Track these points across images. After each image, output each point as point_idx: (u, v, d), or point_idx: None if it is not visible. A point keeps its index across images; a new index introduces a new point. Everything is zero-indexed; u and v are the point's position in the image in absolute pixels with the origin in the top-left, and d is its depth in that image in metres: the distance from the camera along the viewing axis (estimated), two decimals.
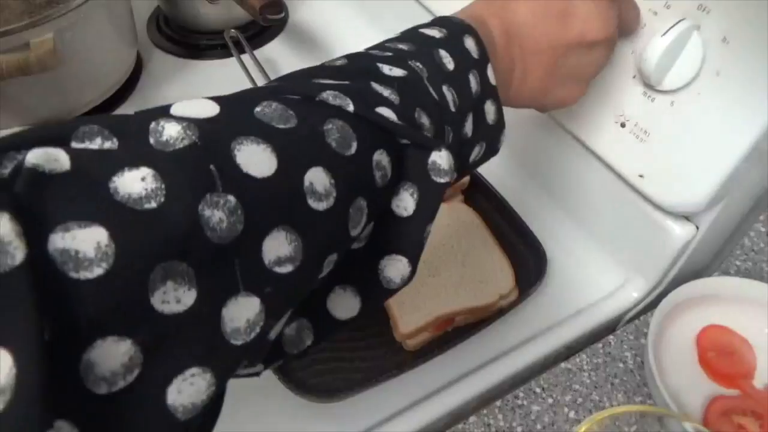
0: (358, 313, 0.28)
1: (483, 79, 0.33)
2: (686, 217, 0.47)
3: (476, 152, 0.34)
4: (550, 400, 0.44)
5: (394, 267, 0.28)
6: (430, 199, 0.28)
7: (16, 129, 0.65)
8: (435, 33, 0.33)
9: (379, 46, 0.32)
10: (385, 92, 0.28)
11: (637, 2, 0.43)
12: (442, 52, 0.32)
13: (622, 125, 0.46)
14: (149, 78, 0.73)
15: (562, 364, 0.46)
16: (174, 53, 0.77)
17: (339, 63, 0.30)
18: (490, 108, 0.34)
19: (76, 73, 0.63)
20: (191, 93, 0.80)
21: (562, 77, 0.38)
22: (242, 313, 0.21)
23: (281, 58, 0.75)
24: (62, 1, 0.58)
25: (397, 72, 0.29)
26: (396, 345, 0.48)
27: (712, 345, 0.46)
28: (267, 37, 0.78)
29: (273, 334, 0.24)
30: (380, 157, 0.26)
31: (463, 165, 0.34)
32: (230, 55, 0.69)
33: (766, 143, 0.41)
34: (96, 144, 0.20)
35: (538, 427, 0.43)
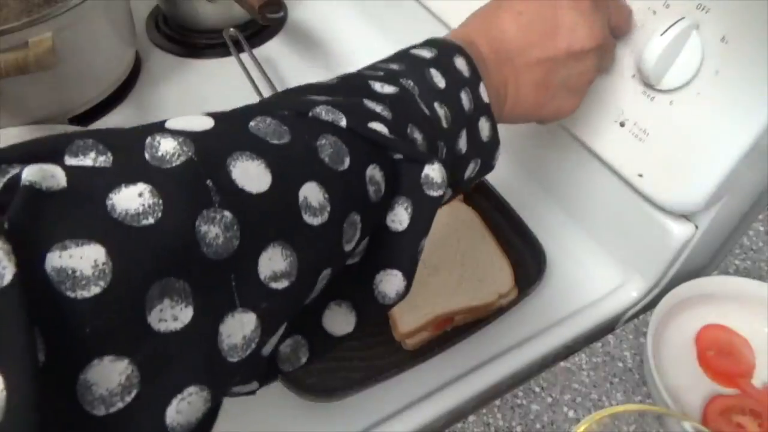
0: (353, 328, 0.28)
1: (475, 97, 0.33)
2: (685, 217, 0.47)
3: (471, 169, 0.35)
4: (550, 400, 0.44)
5: (389, 282, 0.28)
6: (424, 212, 0.28)
7: (14, 128, 0.65)
8: (425, 53, 0.33)
9: (371, 67, 0.33)
10: (378, 108, 0.28)
11: (629, 2, 0.43)
12: (433, 71, 0.32)
13: (622, 124, 0.46)
14: (148, 77, 0.73)
15: (562, 363, 0.46)
16: (173, 52, 0.77)
17: (331, 82, 0.30)
18: (484, 125, 0.34)
19: (74, 72, 0.63)
20: (190, 92, 0.80)
21: (556, 90, 0.39)
22: (239, 329, 0.21)
23: (280, 57, 0.74)
24: (60, 0, 0.58)
25: (389, 89, 0.29)
26: (395, 344, 0.48)
27: (711, 344, 0.46)
28: (266, 36, 0.77)
29: (267, 350, 0.24)
30: (373, 171, 0.26)
31: (457, 181, 0.34)
32: (229, 54, 0.69)
33: (765, 142, 0.41)
34: (90, 158, 0.20)
35: (538, 426, 0.43)
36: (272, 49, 0.76)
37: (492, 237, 0.53)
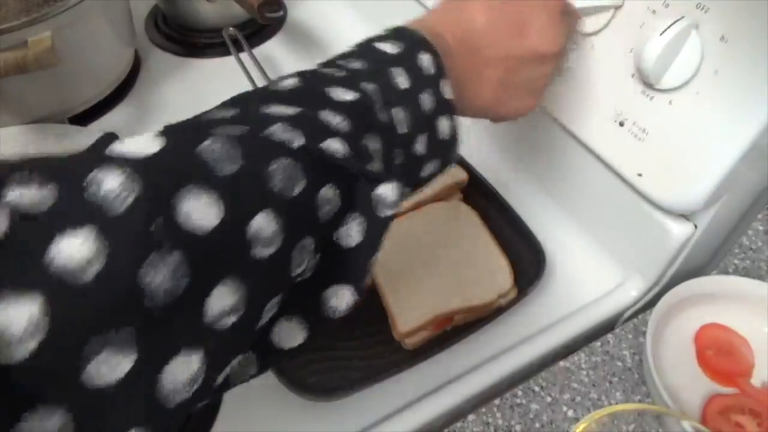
0: (304, 341, 0.28)
1: (438, 95, 0.33)
2: (685, 216, 0.47)
3: (429, 168, 0.35)
4: (549, 399, 0.44)
5: (340, 297, 0.28)
6: (377, 230, 0.28)
7: (14, 127, 0.64)
8: (390, 48, 0.33)
9: (333, 64, 0.32)
10: (336, 119, 0.28)
11: (629, 1, 0.44)
12: (396, 71, 0.32)
13: (621, 124, 0.46)
14: (148, 76, 0.73)
15: (561, 363, 0.46)
16: (172, 51, 0.77)
17: (291, 84, 0.30)
18: (444, 124, 0.34)
19: (74, 72, 0.63)
20: (189, 91, 0.80)
21: (515, 89, 0.39)
22: (182, 372, 0.20)
23: (280, 56, 0.74)
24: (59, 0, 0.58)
25: (349, 96, 0.29)
26: (395, 344, 0.48)
27: (710, 343, 0.46)
28: (265, 35, 0.78)
29: (218, 382, 0.24)
30: (328, 191, 0.26)
31: (416, 181, 0.34)
32: (229, 54, 0.69)
33: (765, 142, 0.41)
34: (31, 192, 0.19)
35: (537, 425, 0.43)
36: (272, 48, 0.76)
37: (491, 236, 0.53)
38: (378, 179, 0.28)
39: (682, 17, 0.40)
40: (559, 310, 0.51)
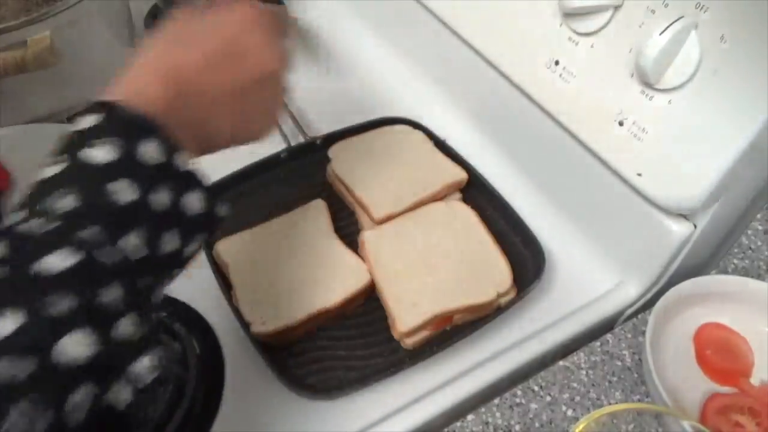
0: None
1: (175, 177, 0.31)
2: (684, 216, 0.47)
3: (193, 246, 0.33)
4: (548, 398, 0.44)
5: None
6: (146, 396, 0.27)
7: (14, 126, 0.64)
8: (103, 155, 0.29)
9: (39, 205, 0.28)
10: (61, 304, 0.25)
11: (627, 1, 0.43)
12: (117, 185, 0.29)
13: (620, 124, 0.46)
14: None
15: (560, 362, 0.46)
16: None
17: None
18: (192, 199, 0.32)
19: (73, 71, 0.63)
20: None
21: (251, 114, 0.38)
22: None
23: None
24: None
25: (67, 262, 0.26)
26: (394, 343, 0.48)
27: (709, 343, 0.46)
28: None
29: None
30: (79, 394, 0.25)
31: (181, 267, 0.33)
32: None
33: (764, 141, 0.41)
34: None
35: (536, 425, 0.43)
36: None
37: (491, 236, 0.53)
38: (132, 358, 0.27)
39: (682, 17, 0.41)
40: (559, 310, 0.51)
